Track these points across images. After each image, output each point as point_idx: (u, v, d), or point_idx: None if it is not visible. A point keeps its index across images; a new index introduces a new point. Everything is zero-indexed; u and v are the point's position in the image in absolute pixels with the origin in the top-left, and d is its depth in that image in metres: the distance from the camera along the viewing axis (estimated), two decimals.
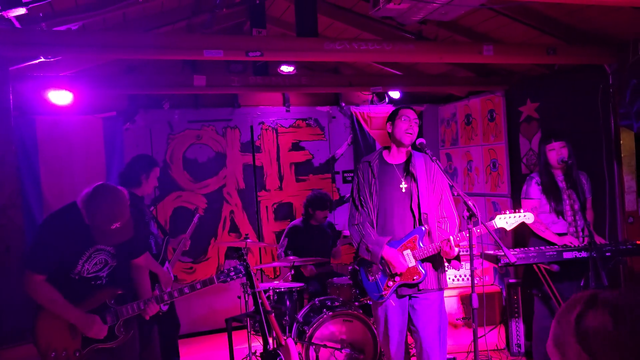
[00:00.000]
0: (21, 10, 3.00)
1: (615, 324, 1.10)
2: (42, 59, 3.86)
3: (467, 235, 2.98)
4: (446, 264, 3.37)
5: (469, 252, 2.96)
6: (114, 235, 2.73)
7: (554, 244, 3.90)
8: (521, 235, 4.17)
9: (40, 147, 5.21)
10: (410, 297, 3.29)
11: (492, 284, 5.05)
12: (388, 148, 3.41)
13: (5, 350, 3.65)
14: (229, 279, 3.01)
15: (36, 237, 2.91)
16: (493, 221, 3.17)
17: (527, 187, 4.11)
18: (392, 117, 3.34)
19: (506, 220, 3.17)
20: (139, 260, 3.19)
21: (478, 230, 3.05)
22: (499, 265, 3.62)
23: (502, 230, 3.36)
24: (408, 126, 3.26)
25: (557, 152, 3.93)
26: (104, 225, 2.68)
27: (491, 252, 3.82)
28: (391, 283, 3.23)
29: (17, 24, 3.23)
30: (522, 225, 3.25)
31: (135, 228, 2.91)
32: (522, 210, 3.19)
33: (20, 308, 4.37)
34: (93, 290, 2.88)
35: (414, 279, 3.21)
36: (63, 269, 2.80)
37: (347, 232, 5.38)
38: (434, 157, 3.20)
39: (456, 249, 3.11)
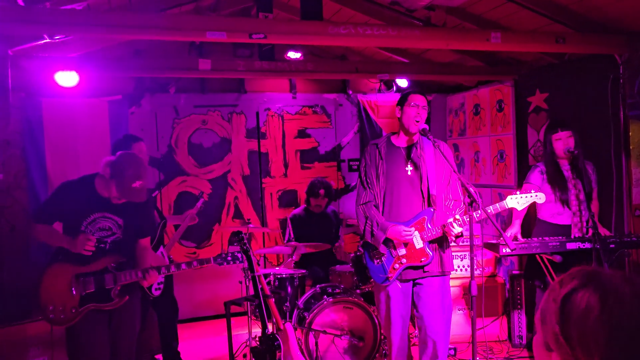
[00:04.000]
0: None
1: (601, 312, 1.00)
2: (47, 39, 3.85)
3: (467, 219, 2.95)
4: (454, 241, 3.34)
5: (469, 242, 2.93)
6: (133, 193, 2.96)
7: (558, 232, 3.86)
8: (525, 224, 4.12)
9: (46, 129, 5.22)
10: (415, 283, 3.27)
11: (495, 275, 5.02)
12: (396, 133, 3.40)
13: (12, 326, 3.71)
14: (225, 263, 3.15)
15: (48, 197, 3.22)
16: (504, 201, 3.15)
17: (530, 173, 4.08)
18: (402, 102, 3.32)
19: (517, 200, 3.14)
20: (145, 241, 3.29)
21: (478, 214, 2.99)
22: (500, 254, 3.59)
23: (506, 217, 3.33)
24: (416, 113, 3.23)
25: (563, 141, 3.88)
26: (128, 180, 2.93)
27: (493, 241, 3.79)
28: (397, 265, 3.22)
29: (21, 2, 3.22)
30: (526, 214, 3.22)
31: (147, 203, 3.19)
32: (533, 191, 3.17)
33: (25, 287, 4.42)
34: (97, 253, 3.02)
35: (421, 261, 3.19)
36: (69, 229, 3.02)
37: (351, 221, 5.38)
38: (436, 143, 3.18)
39: (459, 229, 3.07)
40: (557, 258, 3.68)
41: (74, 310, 2.97)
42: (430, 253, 3.18)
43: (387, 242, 3.22)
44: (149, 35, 3.44)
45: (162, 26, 3.39)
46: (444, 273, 3.27)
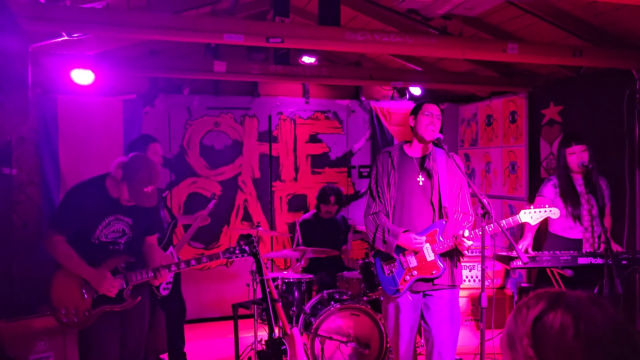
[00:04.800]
0: None
1: (575, 332, 1.01)
2: (65, 37, 3.88)
3: (480, 233, 2.93)
4: (466, 253, 3.32)
5: (480, 252, 2.91)
6: (144, 197, 2.92)
7: (569, 246, 3.83)
8: (536, 237, 4.09)
9: (61, 126, 5.27)
10: (425, 294, 3.25)
11: (503, 287, 4.99)
12: (409, 142, 3.38)
13: (20, 320, 3.73)
14: (233, 256, 3.14)
15: (62, 201, 3.12)
16: (517, 216, 3.13)
17: (543, 187, 4.04)
18: (415, 111, 3.30)
19: (531, 215, 3.12)
20: (152, 239, 3.31)
21: (491, 227, 2.99)
22: (511, 267, 3.56)
23: (515, 233, 3.31)
24: (430, 122, 3.22)
25: (577, 155, 3.85)
26: (140, 184, 2.89)
27: (504, 253, 3.76)
28: (408, 277, 3.19)
29: None
30: (538, 228, 3.20)
31: (157, 204, 3.13)
32: (547, 205, 3.14)
33: (35, 282, 4.45)
34: (109, 254, 3.03)
35: (432, 274, 3.17)
36: (84, 233, 2.98)
37: (359, 227, 5.37)
38: (450, 153, 3.16)
39: (470, 242, 3.06)
40: (569, 272, 3.65)
41: (87, 313, 2.96)
42: (442, 266, 3.16)
43: (398, 250, 3.20)
44: (168, 36, 3.46)
45: (181, 27, 3.41)
46: (454, 286, 3.25)
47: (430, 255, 3.16)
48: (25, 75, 2.62)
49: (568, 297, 1.07)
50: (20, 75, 2.53)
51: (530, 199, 5.35)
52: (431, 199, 3.22)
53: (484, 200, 2.87)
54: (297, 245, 5.11)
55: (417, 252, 3.18)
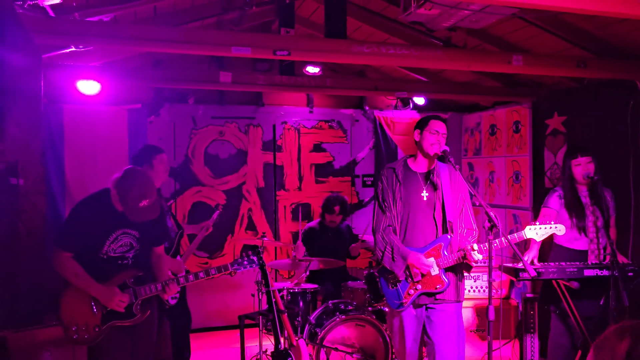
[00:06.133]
0: (56, 0, 3.05)
1: None
2: (73, 48, 3.91)
3: (487, 247, 2.94)
4: (466, 273, 3.32)
5: (487, 264, 2.92)
6: (142, 213, 2.90)
7: (574, 257, 3.84)
8: (541, 247, 4.10)
9: (67, 135, 5.29)
10: (427, 307, 3.25)
11: (508, 298, 4.99)
12: (413, 156, 3.38)
13: (26, 331, 3.73)
14: (242, 268, 3.15)
15: (68, 218, 3.09)
16: (522, 232, 3.12)
17: (548, 197, 4.05)
18: (421, 126, 3.29)
19: (536, 232, 3.12)
20: (159, 249, 3.31)
21: (497, 243, 3.00)
22: (518, 279, 3.57)
23: (520, 243, 3.31)
24: (436, 140, 3.21)
25: (583, 167, 3.86)
26: (134, 202, 2.86)
27: (510, 265, 3.77)
28: (412, 291, 3.20)
29: (52, 13, 3.28)
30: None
31: (161, 215, 3.12)
32: (552, 222, 3.15)
33: (40, 291, 4.45)
34: (118, 269, 3.03)
35: (436, 288, 3.17)
36: (91, 249, 2.97)
37: (364, 237, 5.37)
38: (457, 166, 3.17)
39: (479, 256, 3.05)
40: (575, 285, 3.66)
41: (97, 329, 2.95)
42: (446, 280, 3.17)
43: (406, 269, 3.20)
44: (175, 49, 3.49)
45: (188, 40, 3.44)
46: (458, 300, 3.26)
47: (434, 270, 3.16)
48: (38, 90, 2.64)
49: None
50: (33, 91, 2.55)
51: (534, 209, 5.37)
52: (434, 215, 3.22)
53: (491, 214, 2.88)
54: (304, 255, 5.12)
55: None
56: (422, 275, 3.17)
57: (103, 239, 2.97)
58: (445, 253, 3.16)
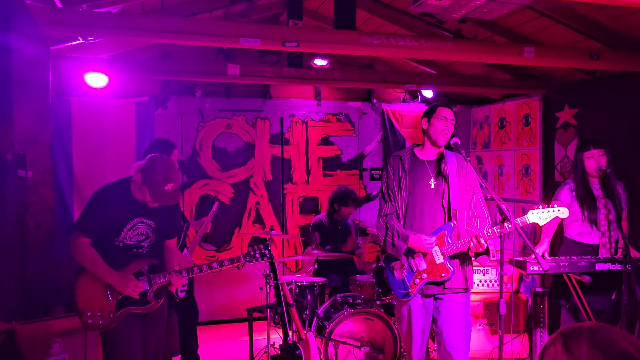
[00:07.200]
0: None
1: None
2: (81, 40, 3.89)
3: (498, 231, 2.90)
4: (473, 259, 3.28)
5: (499, 258, 2.89)
6: (166, 197, 2.93)
7: (586, 251, 3.80)
8: (552, 241, 4.06)
9: (74, 127, 5.28)
10: (436, 298, 3.23)
11: (517, 292, 4.95)
12: (420, 145, 3.35)
13: (35, 323, 3.74)
14: (254, 260, 3.20)
15: (89, 203, 3.09)
16: (525, 216, 3.05)
17: (559, 190, 3.98)
18: (429, 114, 3.26)
19: (539, 215, 3.05)
20: (171, 242, 3.32)
21: (509, 226, 2.94)
22: (528, 272, 3.54)
23: (531, 237, 3.27)
24: (444, 126, 3.18)
25: (595, 160, 3.81)
26: (160, 185, 2.89)
27: (521, 258, 3.73)
28: (418, 280, 3.18)
29: (59, 4, 3.26)
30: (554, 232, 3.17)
31: (177, 205, 3.17)
32: (555, 205, 3.07)
33: (49, 283, 4.46)
34: (133, 257, 3.05)
35: (441, 276, 3.14)
36: (109, 236, 2.99)
37: (371, 230, 5.35)
38: (467, 158, 3.13)
39: (485, 244, 3.02)
40: (587, 279, 3.62)
41: (111, 315, 2.98)
42: (451, 268, 3.14)
43: (408, 253, 3.18)
44: (184, 40, 3.46)
45: (196, 31, 3.41)
46: (467, 289, 3.23)
47: (439, 258, 3.13)
48: (46, 82, 2.62)
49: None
50: (41, 82, 2.53)
51: (544, 202, 5.31)
52: (442, 202, 3.19)
53: (503, 207, 2.84)
54: (316, 246, 5.11)
55: (426, 255, 3.15)
56: (425, 256, 3.15)
57: (121, 225, 2.99)
58: (449, 241, 3.13)
